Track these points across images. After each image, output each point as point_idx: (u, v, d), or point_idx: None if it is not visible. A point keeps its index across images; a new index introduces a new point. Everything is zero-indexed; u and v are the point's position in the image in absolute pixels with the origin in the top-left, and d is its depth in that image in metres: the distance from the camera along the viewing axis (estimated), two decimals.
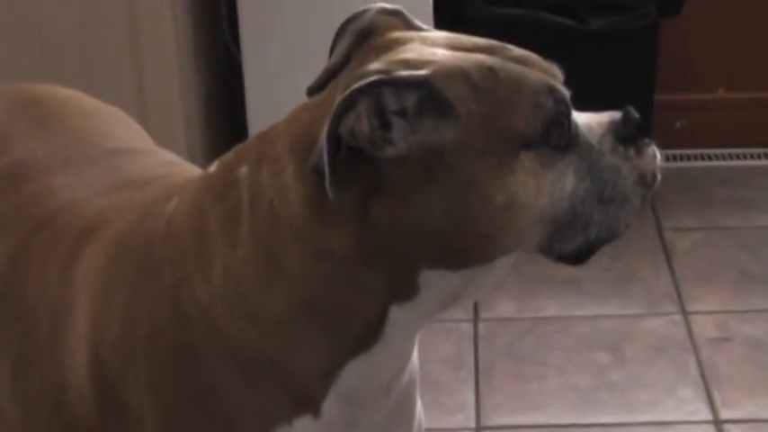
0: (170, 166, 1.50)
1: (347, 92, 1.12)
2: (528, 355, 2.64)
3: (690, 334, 2.69)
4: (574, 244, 1.19)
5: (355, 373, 1.22)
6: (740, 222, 3.15)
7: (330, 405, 1.23)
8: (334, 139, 1.12)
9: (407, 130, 1.13)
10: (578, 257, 1.20)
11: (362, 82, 1.12)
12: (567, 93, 1.18)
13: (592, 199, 1.18)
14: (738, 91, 3.51)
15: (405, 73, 1.13)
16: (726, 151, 3.50)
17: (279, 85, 2.92)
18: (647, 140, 1.22)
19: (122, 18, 2.61)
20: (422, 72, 1.13)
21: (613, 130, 1.21)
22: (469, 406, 2.48)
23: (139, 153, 1.52)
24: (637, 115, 1.22)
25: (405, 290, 1.19)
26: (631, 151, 1.21)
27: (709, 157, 3.49)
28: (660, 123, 3.32)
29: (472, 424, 2.43)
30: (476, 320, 2.76)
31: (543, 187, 1.15)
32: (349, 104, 1.12)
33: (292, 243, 1.17)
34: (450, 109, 1.13)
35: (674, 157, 3.48)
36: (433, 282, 1.19)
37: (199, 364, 1.22)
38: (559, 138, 1.16)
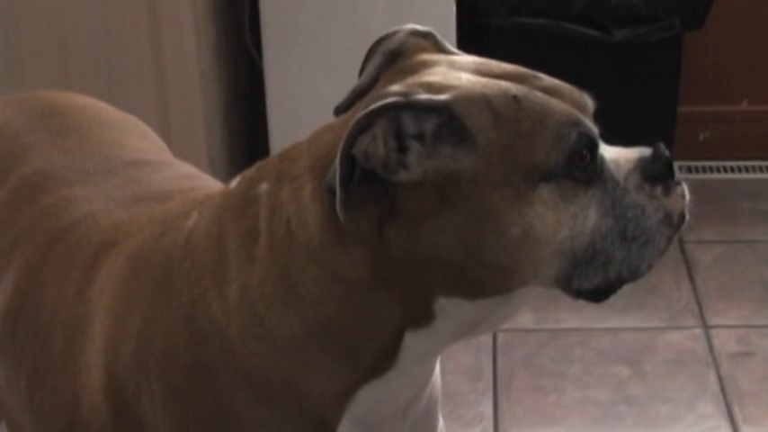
0: (190, 179, 1.49)
1: (363, 112, 1.11)
2: (547, 368, 2.62)
3: (711, 348, 2.67)
4: (594, 281, 1.16)
5: (370, 397, 1.21)
6: (764, 236, 3.13)
7: (345, 429, 1.22)
8: (348, 160, 1.10)
9: (424, 155, 1.11)
10: (598, 295, 1.18)
11: (379, 103, 1.11)
12: (593, 126, 1.16)
13: (614, 236, 1.16)
14: (762, 103, 3.49)
15: (424, 97, 1.12)
16: (749, 164, 3.48)
17: (300, 91, 2.92)
18: (676, 179, 1.20)
19: (144, 25, 2.61)
20: (442, 97, 1.12)
21: (641, 167, 1.18)
22: (487, 418, 2.47)
23: (158, 165, 1.52)
24: (667, 153, 1.20)
25: (420, 317, 1.17)
26: (658, 190, 1.18)
27: (733, 170, 3.47)
28: (683, 135, 3.30)
29: None
30: (495, 332, 2.74)
31: (563, 221, 1.13)
32: (365, 125, 1.10)
33: (308, 265, 1.16)
34: (469, 136, 1.11)
35: (697, 170, 3.46)
36: (450, 310, 1.17)
37: (214, 383, 1.21)
38: (582, 171, 1.14)
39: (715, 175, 3.45)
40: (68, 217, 1.42)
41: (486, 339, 2.71)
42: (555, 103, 1.15)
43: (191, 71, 2.65)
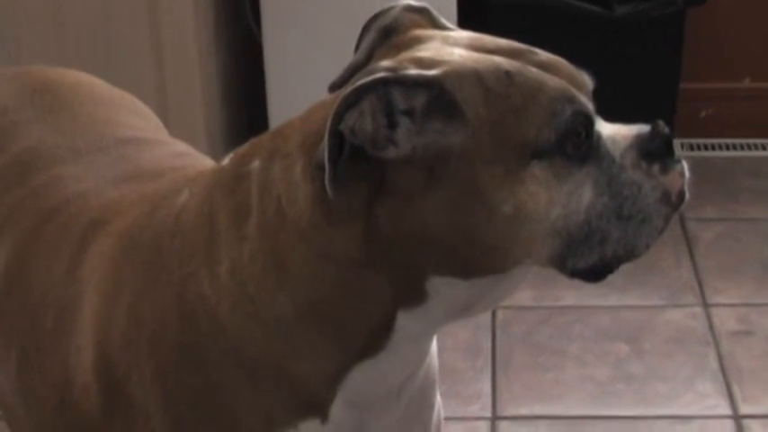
0: (182, 157, 1.47)
1: (351, 88, 1.09)
2: (546, 345, 2.62)
3: (710, 327, 2.67)
4: (589, 260, 1.14)
5: (362, 378, 1.19)
6: (764, 214, 3.11)
7: (337, 410, 1.21)
8: (336, 137, 1.09)
9: (413, 131, 1.10)
10: (593, 275, 1.16)
11: (368, 79, 1.09)
12: (588, 102, 1.15)
13: (610, 214, 1.14)
14: (765, 81, 3.48)
15: (413, 72, 1.10)
16: (751, 141, 3.47)
17: (299, 67, 2.90)
18: (675, 157, 1.17)
19: (143, 1, 2.60)
20: (432, 72, 1.10)
21: (638, 144, 1.16)
22: (486, 395, 2.46)
23: (151, 143, 1.50)
24: (666, 130, 1.18)
25: (412, 296, 1.16)
26: (656, 168, 1.16)
27: (734, 147, 3.46)
28: (685, 113, 3.29)
29: (488, 413, 2.41)
30: (494, 309, 2.74)
31: (556, 199, 1.11)
32: (353, 101, 1.08)
33: (298, 243, 1.15)
34: (459, 112, 1.10)
35: (698, 147, 3.45)
36: (442, 290, 1.15)
37: (203, 362, 1.20)
38: (576, 148, 1.12)
39: (716, 153, 3.44)
40: (58, 196, 1.41)
41: (484, 317, 2.70)
42: (549, 78, 1.13)
43: (189, 46, 2.63)
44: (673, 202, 1.16)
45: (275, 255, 1.16)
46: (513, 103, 1.10)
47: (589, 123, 1.13)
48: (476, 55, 1.14)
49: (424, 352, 1.25)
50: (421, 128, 1.10)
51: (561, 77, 1.14)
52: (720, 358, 2.56)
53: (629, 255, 1.16)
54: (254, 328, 1.18)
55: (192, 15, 2.62)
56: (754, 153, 3.43)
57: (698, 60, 3.36)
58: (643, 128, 1.18)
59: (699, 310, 2.73)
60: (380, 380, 1.21)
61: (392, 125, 1.10)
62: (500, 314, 2.72)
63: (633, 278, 2.81)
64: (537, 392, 2.47)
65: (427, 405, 1.33)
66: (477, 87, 1.11)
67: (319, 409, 1.21)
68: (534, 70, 1.13)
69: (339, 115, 1.08)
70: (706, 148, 3.46)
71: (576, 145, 1.12)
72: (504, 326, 2.68)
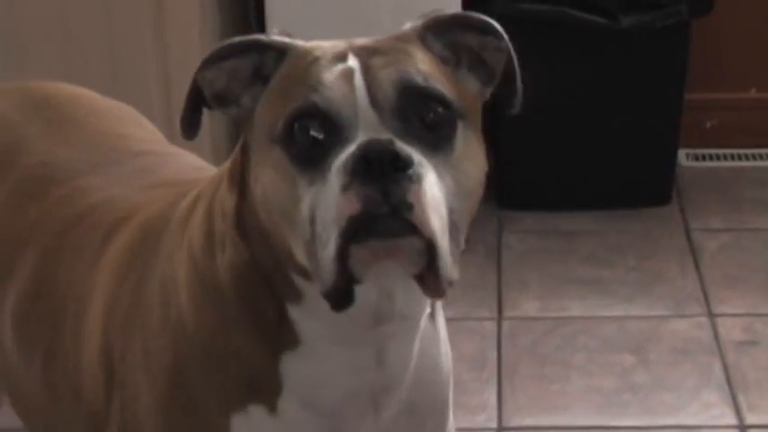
0: (202, 171, 1.51)
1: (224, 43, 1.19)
2: (551, 356, 2.62)
3: (716, 337, 2.66)
4: (315, 272, 1.11)
5: (298, 373, 1.21)
6: None
7: (289, 406, 1.22)
8: (196, 86, 1.18)
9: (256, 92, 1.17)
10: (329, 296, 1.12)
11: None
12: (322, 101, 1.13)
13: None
14: None
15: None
16: (756, 151, 3.47)
17: None
18: (374, 175, 1.06)
19: (148, 14, 2.61)
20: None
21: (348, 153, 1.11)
22: (491, 406, 2.46)
23: (166, 155, 1.55)
24: (377, 146, 1.07)
25: (289, 290, 1.18)
26: (342, 183, 1.08)
27: (740, 158, 3.45)
28: (690, 123, 3.29)
29: (494, 424, 2.41)
30: (499, 319, 2.74)
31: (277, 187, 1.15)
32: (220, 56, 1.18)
33: (222, 223, 1.22)
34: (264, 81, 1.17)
35: (704, 157, 3.45)
36: (309, 288, 1.15)
37: (171, 341, 1.24)
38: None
39: (722, 163, 3.44)
40: (84, 204, 1.45)
41: (490, 327, 2.70)
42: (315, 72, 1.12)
43: (194, 58, 2.63)
44: (342, 226, 1.05)
45: (210, 237, 1.23)
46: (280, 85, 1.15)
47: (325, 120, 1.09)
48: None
49: (377, 361, 1.22)
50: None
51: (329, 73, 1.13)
52: (726, 368, 2.55)
53: (315, 275, 1.10)
54: (200, 308, 1.23)
55: (198, 27, 2.63)
56: (759, 163, 3.43)
57: (703, 71, 3.35)
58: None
59: (704, 319, 2.73)
60: (324, 381, 1.21)
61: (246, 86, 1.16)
62: (505, 325, 2.72)
63: (638, 288, 2.81)
64: (543, 403, 2.47)
65: (428, 424, 1.31)
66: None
67: (265, 397, 1.22)
68: (317, 63, 1.13)
69: (203, 65, 1.17)
70: (711, 158, 3.45)
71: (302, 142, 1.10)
72: (510, 336, 2.68)
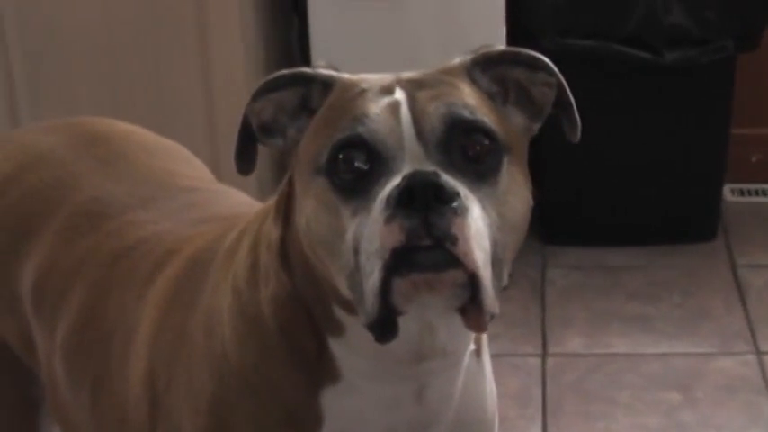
0: (248, 207, 1.52)
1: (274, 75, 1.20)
2: (596, 393, 2.59)
3: (763, 375, 2.63)
4: (357, 299, 1.11)
5: (338, 407, 1.21)
6: None
7: None
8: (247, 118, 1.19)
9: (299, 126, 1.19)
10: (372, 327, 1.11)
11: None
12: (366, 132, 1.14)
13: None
14: None
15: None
16: None
17: None
18: (420, 206, 1.06)
19: (193, 44, 2.63)
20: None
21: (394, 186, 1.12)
22: None
23: (217, 192, 1.56)
24: (421, 177, 1.07)
25: (330, 324, 1.18)
26: (386, 215, 1.07)
27: None
28: (736, 158, 3.27)
29: None
30: (544, 355, 2.72)
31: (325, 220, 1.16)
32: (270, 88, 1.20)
33: (266, 255, 1.23)
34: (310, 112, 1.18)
35: (750, 192, 3.42)
36: (352, 323, 1.15)
37: (219, 373, 1.25)
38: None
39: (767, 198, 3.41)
40: (134, 237, 1.46)
41: (534, 363, 2.69)
42: (360, 104, 1.13)
43: (239, 90, 2.65)
44: (385, 258, 1.04)
45: (255, 269, 1.24)
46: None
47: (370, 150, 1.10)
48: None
49: (417, 398, 1.22)
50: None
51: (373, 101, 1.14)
52: None
53: (358, 307, 1.09)
54: (245, 346, 1.23)
55: (242, 63, 2.64)
56: None
57: (749, 106, 3.34)
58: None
59: (751, 357, 2.70)
60: (363, 416, 1.21)
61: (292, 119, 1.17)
62: (550, 361, 2.70)
63: (684, 325, 2.79)
64: None
65: None
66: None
67: (304, 431, 1.22)
68: (363, 98, 1.14)
69: (254, 97, 1.18)
70: (757, 193, 3.43)
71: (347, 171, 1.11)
72: (555, 373, 2.66)
